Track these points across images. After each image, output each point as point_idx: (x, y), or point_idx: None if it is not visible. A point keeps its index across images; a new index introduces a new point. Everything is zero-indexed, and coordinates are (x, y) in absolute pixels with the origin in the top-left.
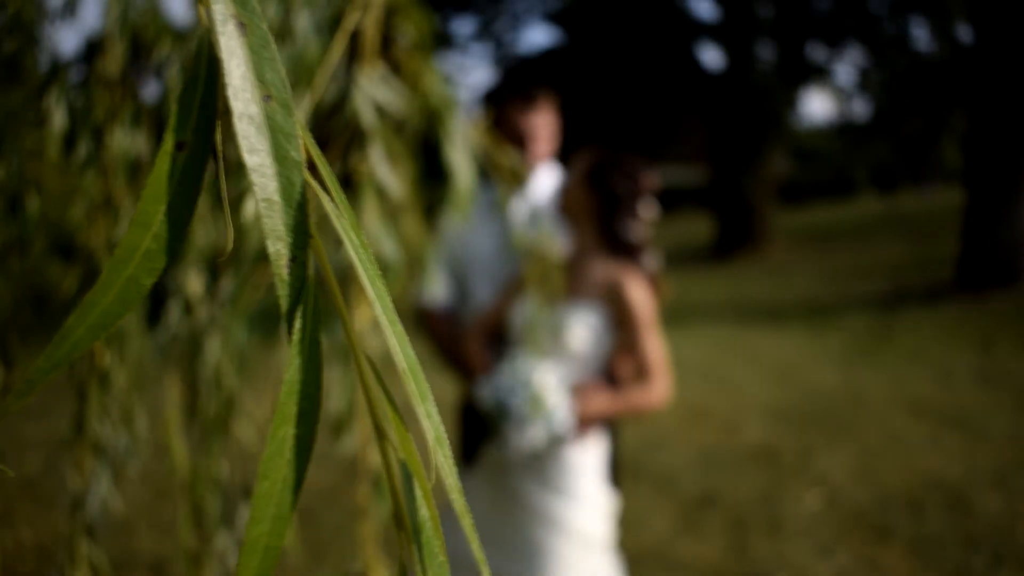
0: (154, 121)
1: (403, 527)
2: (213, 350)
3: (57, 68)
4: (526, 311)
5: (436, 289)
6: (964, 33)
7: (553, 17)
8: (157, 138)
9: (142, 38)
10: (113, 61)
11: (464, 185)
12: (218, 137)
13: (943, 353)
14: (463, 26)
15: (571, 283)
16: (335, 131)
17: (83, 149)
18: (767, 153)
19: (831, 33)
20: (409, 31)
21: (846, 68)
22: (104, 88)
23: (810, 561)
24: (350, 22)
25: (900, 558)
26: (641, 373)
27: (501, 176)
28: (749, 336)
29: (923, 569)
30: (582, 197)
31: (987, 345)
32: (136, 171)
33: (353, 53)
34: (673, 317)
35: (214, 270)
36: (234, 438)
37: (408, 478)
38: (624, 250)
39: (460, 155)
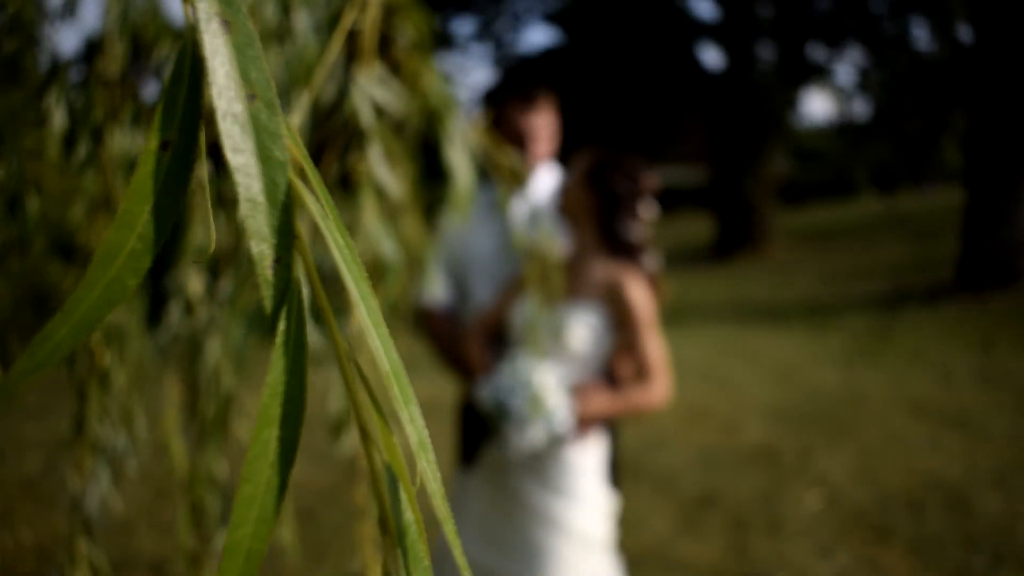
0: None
1: (388, 531)
2: (212, 350)
3: (57, 68)
4: (526, 311)
5: (436, 289)
6: (964, 33)
7: (553, 17)
8: None
9: (142, 38)
10: (113, 61)
11: (464, 185)
12: (202, 137)
13: (943, 353)
14: (463, 26)
15: (571, 283)
16: (334, 131)
17: (83, 149)
18: (767, 153)
19: (831, 33)
20: (409, 31)
21: (846, 68)
22: (104, 88)
23: (810, 561)
24: (348, 21)
25: (900, 558)
26: (641, 373)
27: (501, 176)
28: (749, 336)
29: (923, 569)
30: (582, 197)
31: (987, 345)
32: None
33: (353, 53)
34: (673, 317)
35: (215, 270)
36: (233, 438)
37: (393, 481)
38: (624, 250)
39: (460, 155)
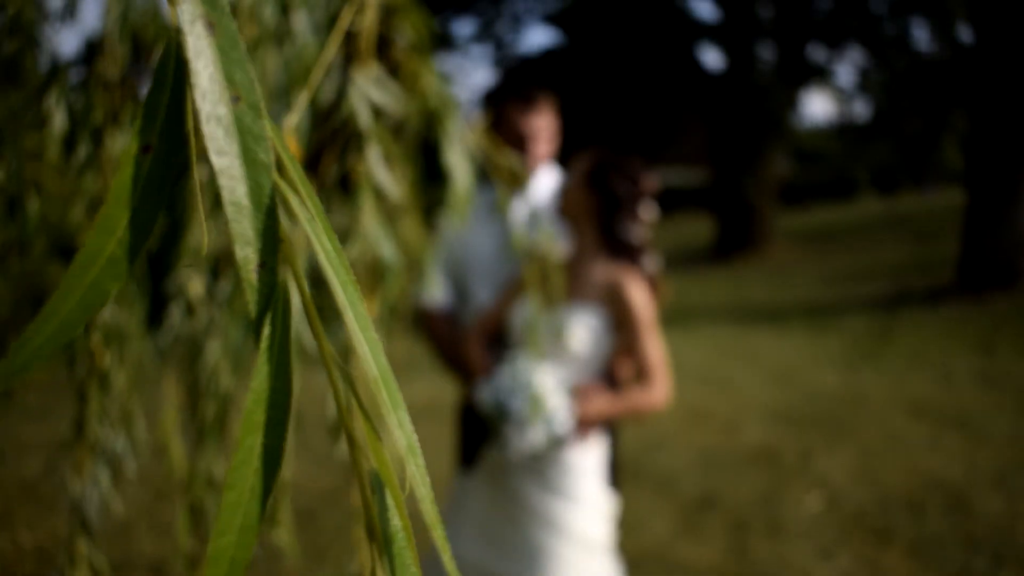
0: None
1: (374, 538)
2: (211, 351)
3: (57, 69)
4: (526, 313)
5: (436, 291)
6: (965, 34)
7: (553, 18)
8: None
9: (142, 39)
10: (113, 62)
11: (463, 187)
12: (192, 139)
13: (944, 354)
14: (463, 27)
15: (571, 285)
16: (333, 132)
17: (83, 151)
18: (767, 154)
19: (831, 34)
20: (408, 32)
21: (846, 69)
22: (104, 89)
23: (811, 563)
24: (345, 21)
25: (901, 559)
26: (641, 375)
27: (501, 178)
28: (749, 337)
29: (924, 570)
30: (582, 198)
31: (988, 346)
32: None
33: (352, 54)
34: (673, 318)
35: (215, 271)
36: (232, 439)
37: (380, 487)
38: (624, 252)
39: (459, 157)
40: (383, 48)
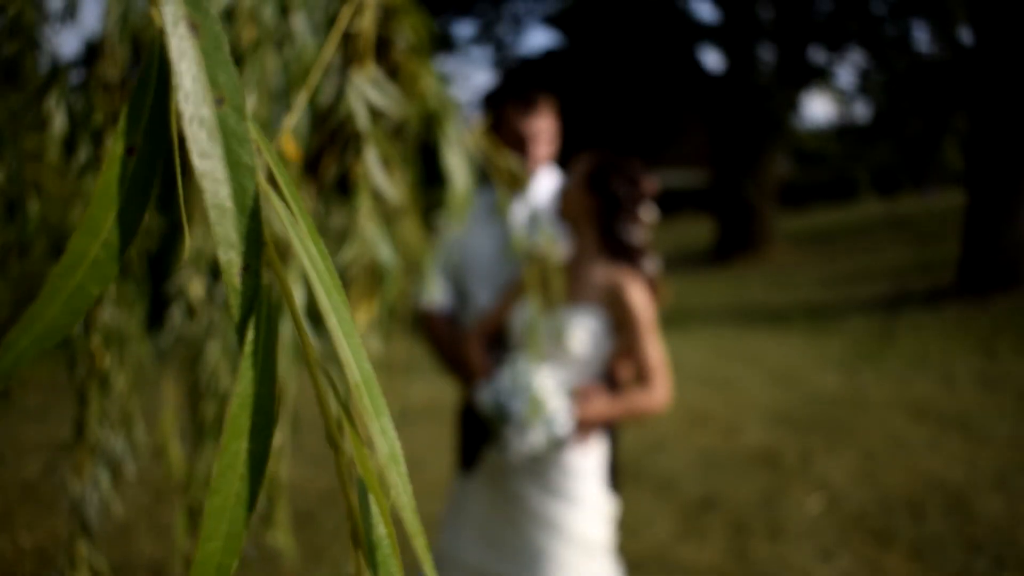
0: None
1: (359, 545)
2: (211, 353)
3: (57, 71)
4: (526, 315)
5: (436, 292)
6: (965, 35)
7: (553, 20)
8: None
9: (142, 41)
10: (113, 64)
11: (462, 189)
12: (175, 141)
13: (944, 356)
14: (463, 29)
15: (571, 287)
16: (332, 133)
17: (83, 152)
18: (768, 155)
19: (832, 35)
20: (407, 34)
21: (847, 70)
22: (104, 91)
23: (811, 564)
24: (343, 22)
25: (901, 561)
26: (641, 376)
27: (501, 179)
28: (750, 339)
29: (924, 572)
30: (582, 200)
31: (989, 348)
32: None
33: (352, 55)
34: (674, 320)
35: (215, 272)
36: None
37: (364, 494)
38: (624, 254)
39: (458, 159)
40: (383, 50)
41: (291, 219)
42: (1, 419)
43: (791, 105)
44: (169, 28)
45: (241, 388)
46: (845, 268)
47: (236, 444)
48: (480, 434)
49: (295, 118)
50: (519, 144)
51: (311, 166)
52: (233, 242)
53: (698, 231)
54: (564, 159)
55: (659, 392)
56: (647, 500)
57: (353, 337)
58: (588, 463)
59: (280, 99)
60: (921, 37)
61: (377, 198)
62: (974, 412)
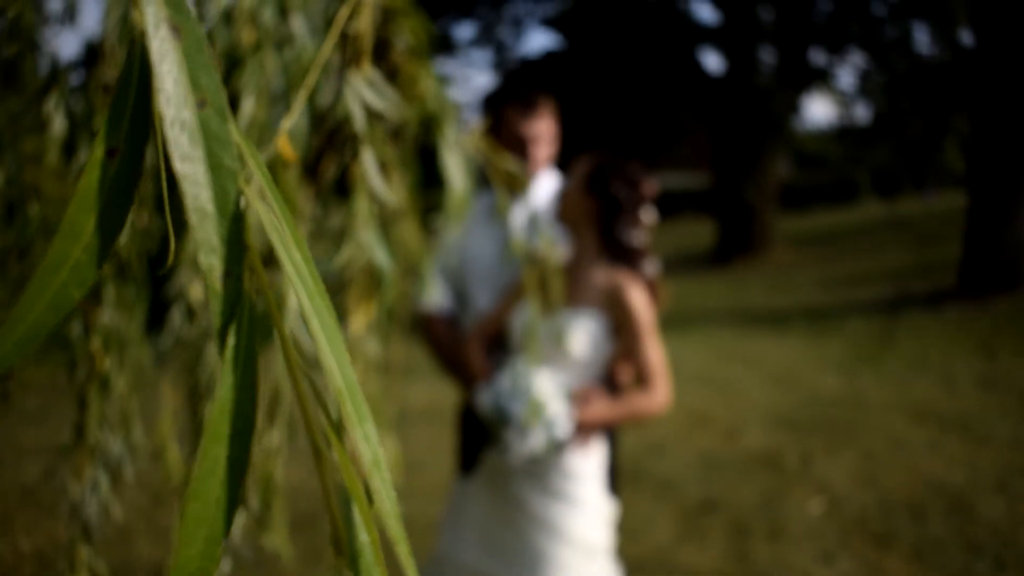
0: None
1: (341, 552)
2: (211, 354)
3: (57, 73)
4: (526, 317)
5: (436, 295)
6: (966, 37)
7: (554, 22)
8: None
9: None
10: (112, 66)
11: (460, 191)
12: (160, 144)
13: (945, 358)
14: (464, 30)
15: (571, 289)
16: (330, 134)
17: (83, 154)
18: (768, 157)
19: (833, 37)
20: (407, 35)
21: (848, 72)
22: (104, 93)
23: (812, 567)
24: (340, 22)
25: (902, 563)
26: (641, 379)
27: (500, 182)
28: (750, 341)
29: (925, 574)
30: (582, 202)
31: (989, 350)
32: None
33: (351, 57)
34: (674, 322)
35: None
36: None
37: (346, 501)
38: (624, 256)
39: (457, 161)
40: (382, 52)
41: (275, 224)
42: (0, 422)
43: (791, 107)
44: (150, 30)
45: (221, 393)
46: (845, 270)
47: (215, 450)
48: (480, 437)
49: (292, 119)
50: (519, 146)
51: (312, 168)
52: (214, 246)
53: (698, 233)
54: (564, 161)
55: (659, 394)
56: (647, 502)
57: (337, 342)
58: (588, 466)
59: (280, 101)
60: (922, 39)
61: (376, 200)
62: (975, 414)
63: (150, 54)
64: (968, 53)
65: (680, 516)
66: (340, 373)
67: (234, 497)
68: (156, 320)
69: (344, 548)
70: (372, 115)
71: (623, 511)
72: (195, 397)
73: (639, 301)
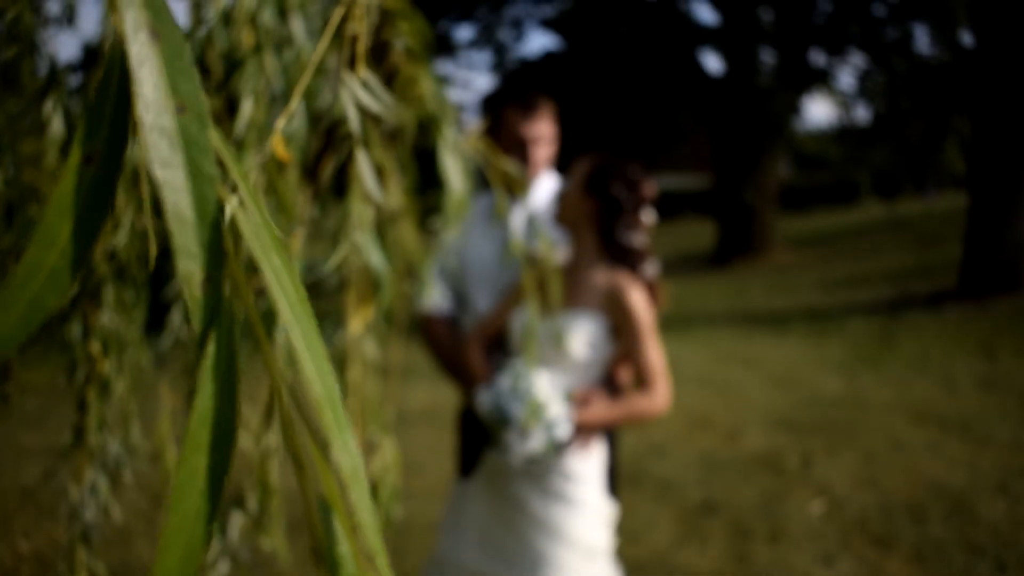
0: None
1: (322, 563)
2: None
3: (55, 75)
4: (526, 319)
5: (435, 297)
6: (966, 37)
7: (554, 23)
8: None
9: None
10: None
11: (459, 193)
12: (140, 150)
13: (945, 359)
14: (463, 32)
15: (571, 291)
16: (330, 135)
17: None
18: (769, 159)
19: (833, 38)
20: (406, 37)
21: (848, 73)
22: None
23: (812, 568)
24: (335, 23)
25: (902, 565)
26: (641, 380)
27: (499, 183)
28: (750, 342)
29: None
30: (582, 204)
31: (990, 351)
32: (136, 179)
33: (348, 58)
34: (674, 324)
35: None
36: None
37: (326, 512)
38: (624, 257)
39: (456, 162)
40: (382, 53)
41: (255, 231)
42: (0, 423)
43: (792, 108)
44: (130, 35)
45: (200, 403)
46: (845, 271)
47: (195, 459)
48: (480, 438)
49: (285, 120)
50: (519, 147)
51: (312, 169)
52: (194, 253)
53: (698, 234)
54: (564, 163)
55: (659, 396)
56: (647, 504)
57: (318, 351)
58: (588, 467)
59: (280, 103)
60: (922, 40)
61: (370, 202)
62: (975, 415)
63: (129, 59)
64: (968, 54)
65: (680, 517)
66: (320, 383)
67: (215, 508)
68: (156, 322)
69: (325, 559)
70: (369, 117)
71: (623, 512)
72: (190, 399)
73: (639, 302)
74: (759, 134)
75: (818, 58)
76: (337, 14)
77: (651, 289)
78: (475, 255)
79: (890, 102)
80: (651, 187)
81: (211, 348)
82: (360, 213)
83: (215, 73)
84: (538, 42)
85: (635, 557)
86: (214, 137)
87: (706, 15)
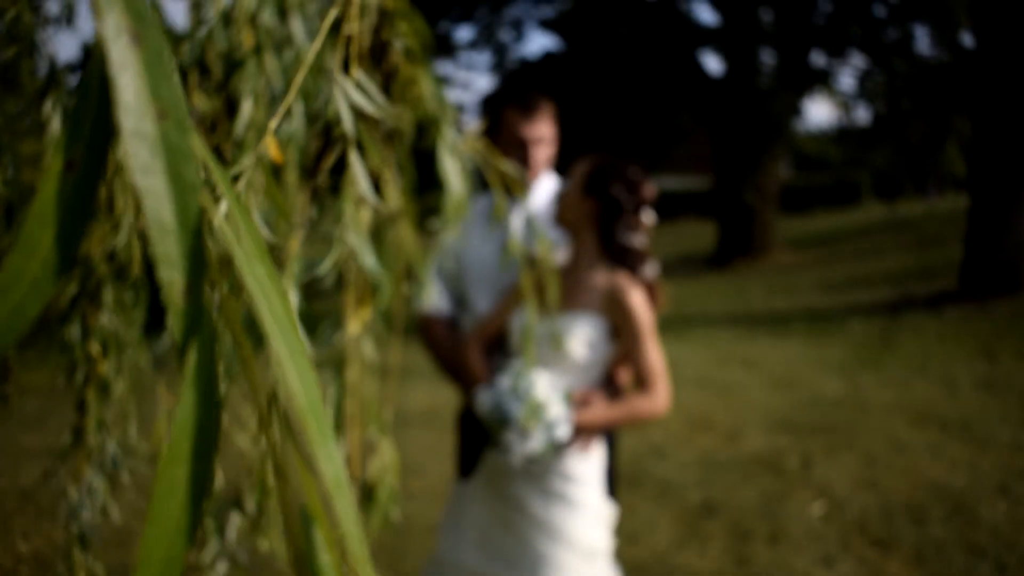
0: None
1: (301, 573)
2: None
3: (55, 75)
4: (525, 320)
5: (434, 298)
6: (967, 38)
7: (554, 24)
8: None
9: None
10: None
11: (458, 194)
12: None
13: (946, 360)
14: (464, 32)
15: (571, 292)
16: (327, 136)
17: None
18: (769, 160)
19: (833, 39)
20: (405, 37)
21: (848, 74)
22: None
23: (812, 570)
24: (328, 22)
25: (903, 566)
26: (641, 381)
27: (498, 184)
28: (750, 343)
29: None
30: (581, 204)
31: (991, 353)
32: None
33: (344, 59)
34: (674, 325)
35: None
36: (224, 445)
37: (307, 522)
38: (624, 258)
39: (455, 163)
40: (381, 54)
41: (237, 238)
42: None
43: (792, 109)
44: (111, 39)
45: (181, 413)
46: (846, 272)
47: (176, 470)
48: (479, 439)
49: (280, 121)
50: (518, 148)
51: (311, 170)
52: (175, 261)
53: (699, 235)
54: (564, 164)
55: (659, 397)
56: (647, 505)
57: (302, 360)
58: (588, 468)
59: (280, 103)
60: (922, 40)
61: (366, 203)
62: (976, 417)
63: (110, 64)
64: (969, 55)
65: (680, 519)
66: (303, 393)
67: (195, 519)
68: (155, 322)
69: (305, 569)
70: (366, 117)
71: (623, 514)
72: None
73: (639, 303)
74: (759, 135)
75: (818, 59)
76: (331, 14)
77: (651, 290)
78: (474, 256)
79: (890, 103)
80: (651, 188)
81: (192, 357)
82: (353, 214)
83: (215, 73)
84: (538, 43)
85: (635, 558)
86: (196, 143)
87: (706, 15)
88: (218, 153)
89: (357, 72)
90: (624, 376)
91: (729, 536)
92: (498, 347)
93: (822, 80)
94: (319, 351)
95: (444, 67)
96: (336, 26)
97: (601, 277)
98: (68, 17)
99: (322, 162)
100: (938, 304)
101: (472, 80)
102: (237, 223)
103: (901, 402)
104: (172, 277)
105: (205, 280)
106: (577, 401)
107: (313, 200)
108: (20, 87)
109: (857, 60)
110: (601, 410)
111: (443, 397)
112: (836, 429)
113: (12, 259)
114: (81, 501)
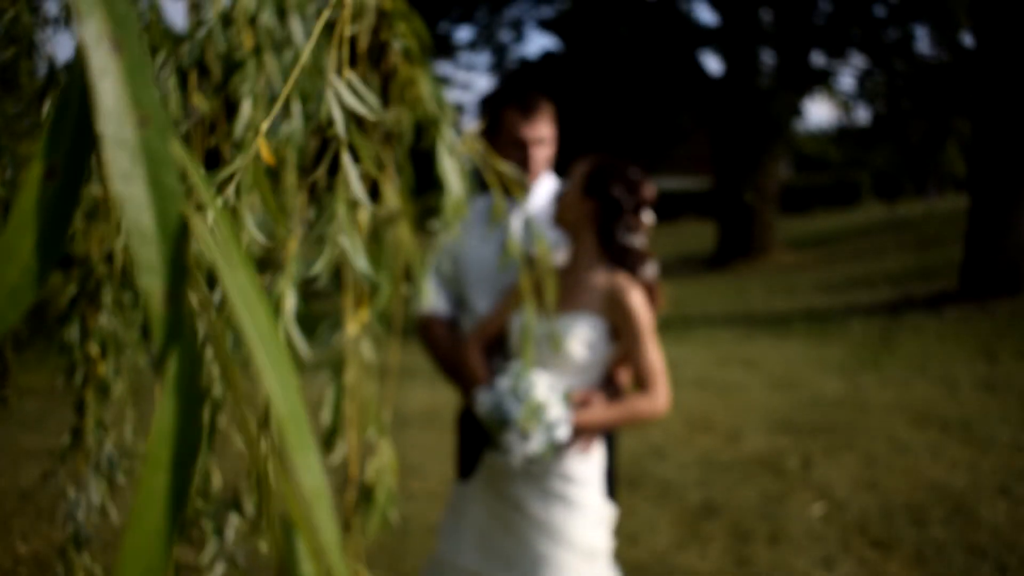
0: None
1: None
2: (206, 359)
3: (54, 75)
4: (524, 321)
5: (435, 298)
6: (967, 38)
7: (553, 24)
8: None
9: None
10: None
11: (457, 195)
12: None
13: (946, 361)
14: (463, 33)
15: (570, 292)
16: (324, 136)
17: None
18: (769, 160)
19: (833, 39)
20: (404, 38)
21: (849, 74)
22: None
23: (812, 571)
24: (322, 22)
25: (903, 567)
26: (641, 382)
27: (497, 185)
28: (750, 344)
29: None
30: (581, 205)
31: (991, 353)
32: None
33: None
34: (674, 325)
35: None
36: (222, 446)
37: (288, 530)
38: (623, 258)
39: (454, 164)
40: (379, 54)
41: (217, 245)
42: None
43: (792, 109)
44: (91, 45)
45: (161, 421)
46: (846, 272)
47: (156, 479)
48: (479, 440)
49: (274, 121)
50: (518, 149)
51: (310, 170)
52: (156, 268)
53: (699, 235)
54: (563, 164)
55: (659, 397)
56: (647, 506)
57: (283, 368)
58: (588, 469)
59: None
60: (922, 41)
61: (368, 205)
62: (976, 417)
63: (90, 70)
64: (969, 55)
65: (680, 520)
66: (284, 402)
67: (175, 527)
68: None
69: None
70: (359, 119)
71: (623, 515)
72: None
73: (638, 304)
74: (759, 135)
75: (818, 59)
76: (324, 15)
77: (650, 290)
78: (474, 257)
79: (890, 103)
80: (651, 188)
81: (172, 365)
82: (346, 216)
83: (214, 74)
84: (537, 43)
85: (635, 559)
86: (178, 150)
87: (706, 16)
88: (218, 154)
89: (350, 73)
90: (624, 376)
91: (729, 537)
92: (498, 348)
93: (822, 80)
94: (318, 352)
95: (443, 68)
96: (332, 27)
97: (601, 277)
98: (67, 17)
99: (320, 162)
100: (938, 304)
101: (471, 80)
102: (219, 230)
103: (901, 402)
104: (152, 284)
105: (187, 287)
106: (577, 402)
107: (312, 201)
108: (19, 87)
109: (857, 60)
110: (601, 411)
111: (442, 398)
112: (836, 429)
113: None
114: (79, 503)
